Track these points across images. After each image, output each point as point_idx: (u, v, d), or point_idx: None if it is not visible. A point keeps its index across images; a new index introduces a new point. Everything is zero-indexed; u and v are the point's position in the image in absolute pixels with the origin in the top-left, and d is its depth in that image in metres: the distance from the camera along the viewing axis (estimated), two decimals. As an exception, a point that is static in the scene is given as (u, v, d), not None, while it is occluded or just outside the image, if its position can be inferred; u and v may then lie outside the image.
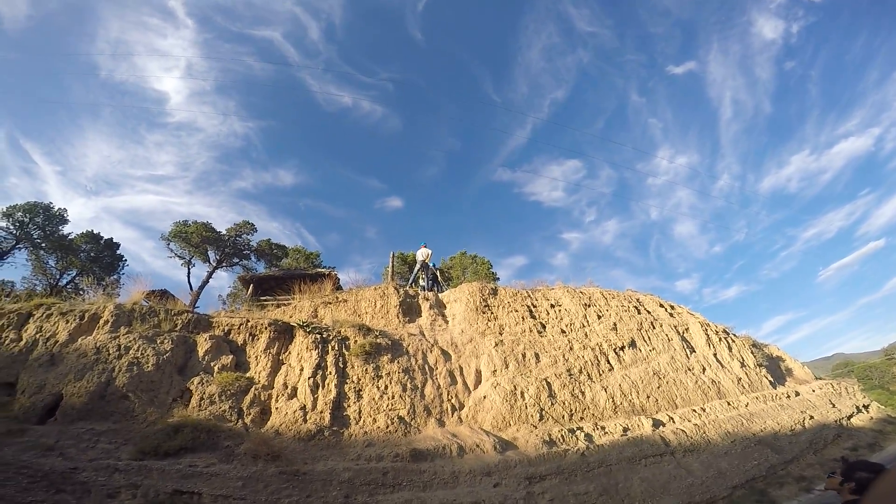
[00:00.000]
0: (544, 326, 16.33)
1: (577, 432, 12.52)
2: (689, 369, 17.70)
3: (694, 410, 15.47)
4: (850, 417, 19.43)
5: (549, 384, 13.84)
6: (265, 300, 17.21)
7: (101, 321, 11.30)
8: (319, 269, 19.63)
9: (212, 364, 11.32)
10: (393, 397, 11.86)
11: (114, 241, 27.43)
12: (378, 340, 12.94)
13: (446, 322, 15.54)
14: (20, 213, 23.82)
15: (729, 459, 13.68)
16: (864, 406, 21.34)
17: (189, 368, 11.09)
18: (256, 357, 12.00)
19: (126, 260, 27.46)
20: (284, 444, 9.78)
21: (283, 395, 11.23)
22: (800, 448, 15.56)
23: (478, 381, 13.59)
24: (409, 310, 15.43)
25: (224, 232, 25.84)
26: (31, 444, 7.74)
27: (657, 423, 14.01)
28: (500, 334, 15.10)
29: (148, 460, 7.88)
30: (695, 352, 18.95)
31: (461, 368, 13.68)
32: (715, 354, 19.47)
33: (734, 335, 22.06)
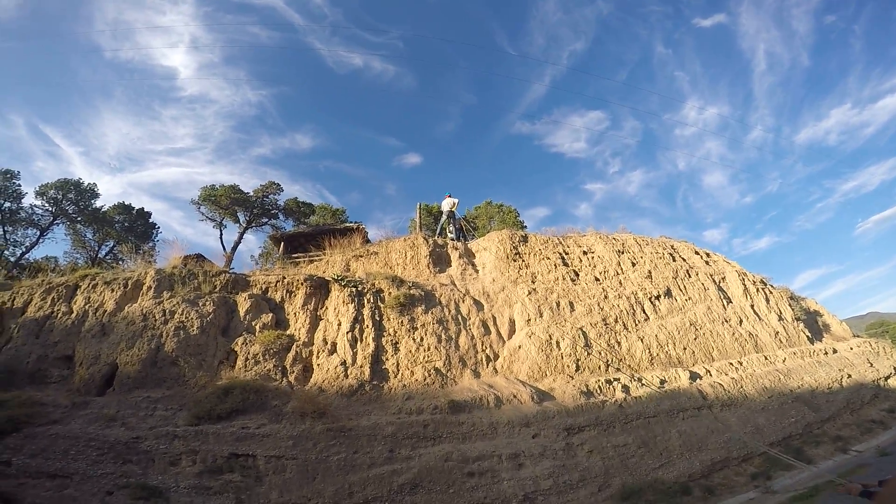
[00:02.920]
0: (577, 274, 15.99)
1: (615, 383, 12.48)
2: (726, 321, 17.29)
3: (731, 364, 15.22)
4: (887, 378, 18.88)
5: (584, 334, 13.70)
6: (297, 257, 17.25)
7: (145, 287, 11.47)
8: (347, 224, 19.48)
9: (253, 323, 11.48)
10: (429, 349, 11.93)
11: (145, 210, 27.99)
12: (412, 292, 12.88)
13: (476, 271, 15.35)
14: (53, 191, 24.40)
15: (766, 415, 13.52)
16: (892, 368, 20.73)
17: (232, 329, 11.29)
18: (295, 314, 12.11)
19: (159, 227, 28.11)
20: (328, 400, 9.99)
21: (323, 351, 11.39)
22: (837, 407, 15.28)
23: (511, 331, 13.54)
24: (439, 260, 15.26)
25: (251, 193, 25.81)
26: (95, 416, 8.08)
27: (694, 376, 13.87)
28: (533, 283, 14.87)
29: (203, 425, 8.15)
30: (731, 302, 18.43)
31: (494, 318, 13.61)
32: (752, 306, 18.90)
33: (772, 286, 21.29)
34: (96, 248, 25.78)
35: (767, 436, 12.82)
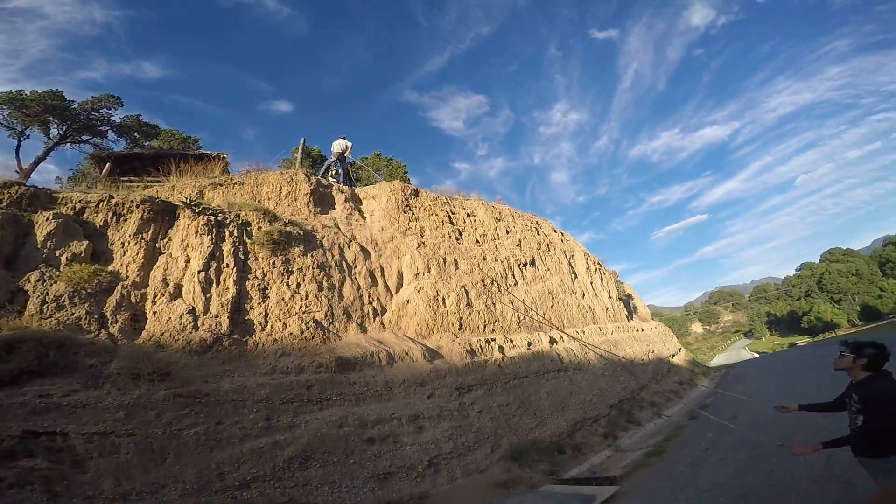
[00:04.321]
0: (461, 234, 15.27)
1: (492, 343, 12.21)
2: (574, 293, 18.57)
3: (577, 331, 16.30)
4: (673, 356, 22.85)
5: (467, 293, 13.05)
6: (129, 181, 12.81)
7: None
8: (204, 152, 15.23)
9: (57, 254, 7.86)
10: (307, 297, 9.80)
11: None
12: (288, 229, 10.38)
13: (363, 218, 13.41)
14: None
15: (605, 381, 14.76)
16: (678, 349, 25.51)
17: (22, 260, 7.54)
18: (123, 244, 8.68)
19: None
20: (172, 358, 7.34)
21: (162, 294, 8.37)
22: (647, 377, 17.67)
23: (399, 284, 12.16)
24: (321, 200, 12.82)
25: (76, 104, 18.64)
26: None
27: (552, 341, 14.42)
28: (422, 236, 13.60)
29: None
30: (577, 278, 19.93)
31: (382, 269, 12.00)
32: (591, 283, 20.80)
33: (605, 269, 23.87)
34: None
35: (608, 398, 13.93)
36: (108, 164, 14.63)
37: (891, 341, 3.80)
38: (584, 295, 19.30)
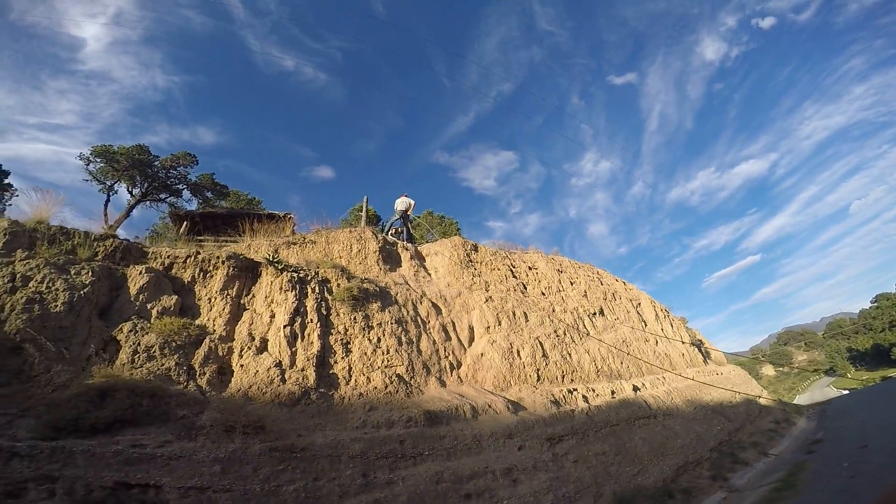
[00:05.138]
0: (525, 287, 14.57)
1: (575, 393, 11.20)
2: (646, 340, 17.25)
3: (658, 378, 14.95)
4: (759, 397, 20.68)
5: (541, 344, 12.17)
6: (205, 240, 13.13)
7: (-11, 243, 7.11)
8: (273, 212, 15.59)
9: (148, 306, 7.76)
10: (388, 352, 9.24)
11: (2, 168, 20.13)
12: (365, 286, 10.09)
13: (429, 274, 13.01)
14: None
15: (700, 424, 13.53)
16: (762, 390, 23.26)
17: (115, 311, 7.45)
18: (210, 299, 8.57)
19: (16, 190, 19.56)
20: (262, 411, 6.81)
21: (249, 348, 8.05)
22: (741, 418, 16.09)
23: (471, 338, 11.43)
24: (389, 258, 12.57)
25: (158, 161, 19.52)
26: None
27: (636, 388, 13.23)
28: (487, 291, 12.98)
29: (65, 439, 4.51)
30: (647, 325, 18.62)
31: (453, 323, 11.37)
32: (662, 329, 19.38)
33: (673, 315, 22.36)
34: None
35: (707, 441, 12.76)
36: (185, 222, 14.97)
37: None
38: (657, 342, 17.81)
